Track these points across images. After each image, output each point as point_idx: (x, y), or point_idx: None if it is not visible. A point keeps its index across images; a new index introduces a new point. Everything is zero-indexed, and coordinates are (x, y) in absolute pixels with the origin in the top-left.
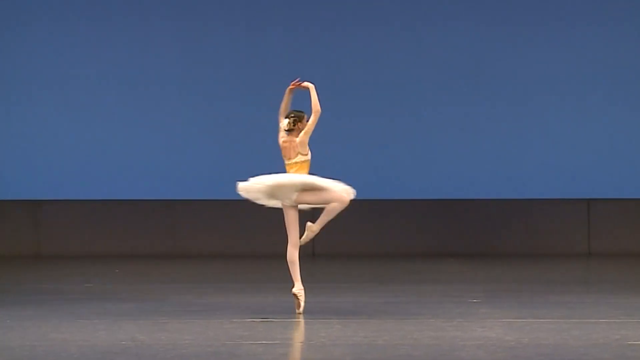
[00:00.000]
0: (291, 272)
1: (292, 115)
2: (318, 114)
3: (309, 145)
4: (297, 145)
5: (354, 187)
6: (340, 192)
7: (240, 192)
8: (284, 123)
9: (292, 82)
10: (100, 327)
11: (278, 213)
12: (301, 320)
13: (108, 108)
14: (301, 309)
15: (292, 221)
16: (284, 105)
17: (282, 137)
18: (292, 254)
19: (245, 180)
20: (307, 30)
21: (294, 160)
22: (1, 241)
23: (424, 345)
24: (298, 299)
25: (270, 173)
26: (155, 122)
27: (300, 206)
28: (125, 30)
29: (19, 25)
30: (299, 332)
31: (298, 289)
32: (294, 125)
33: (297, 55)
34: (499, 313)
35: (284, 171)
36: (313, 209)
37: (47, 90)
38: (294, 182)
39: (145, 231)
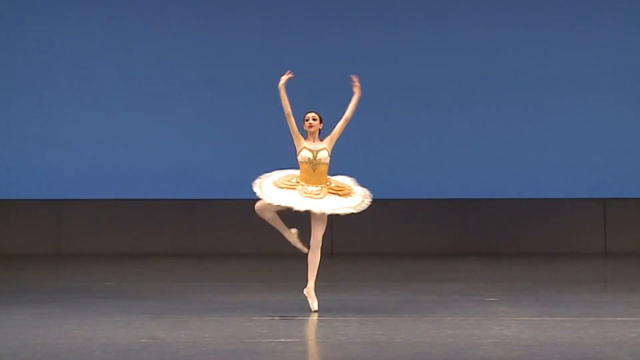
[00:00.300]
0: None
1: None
2: (348, 121)
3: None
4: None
5: (373, 187)
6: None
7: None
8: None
9: (286, 76)
10: (121, 325)
11: (298, 213)
12: (319, 318)
13: (130, 108)
14: (314, 307)
15: (313, 223)
16: (285, 102)
17: (302, 144)
18: (309, 254)
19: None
20: (325, 30)
21: (316, 165)
22: (24, 240)
23: (441, 344)
24: (306, 298)
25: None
26: (175, 123)
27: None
28: (145, 30)
29: (41, 25)
30: (318, 330)
31: (307, 288)
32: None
33: (316, 56)
34: (516, 311)
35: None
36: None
37: (69, 92)
38: (302, 209)
39: (165, 230)
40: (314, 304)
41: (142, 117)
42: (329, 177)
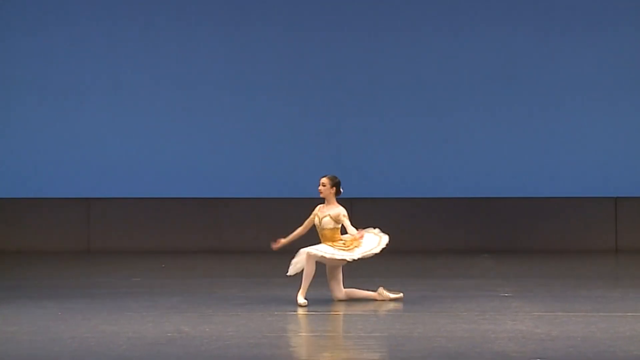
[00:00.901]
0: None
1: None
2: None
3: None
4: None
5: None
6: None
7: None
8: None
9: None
10: (147, 320)
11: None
12: (340, 313)
13: (156, 110)
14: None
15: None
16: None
17: (316, 209)
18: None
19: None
20: (334, 33)
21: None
22: (54, 237)
23: (457, 338)
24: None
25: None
26: (200, 124)
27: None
28: (172, 32)
29: (73, 25)
30: (338, 324)
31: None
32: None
33: (338, 60)
34: (530, 307)
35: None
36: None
37: (99, 93)
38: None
39: (191, 228)
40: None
41: (167, 120)
42: (345, 237)
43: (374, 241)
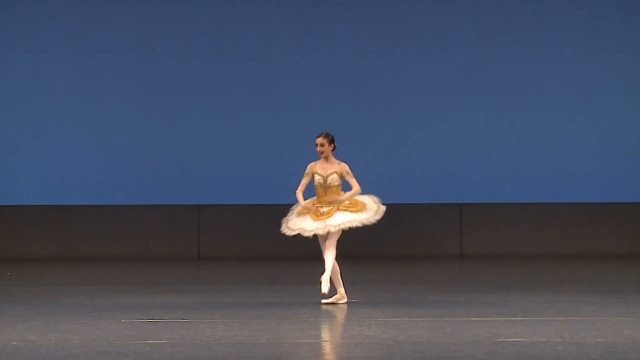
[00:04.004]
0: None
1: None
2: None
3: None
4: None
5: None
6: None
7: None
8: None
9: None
10: None
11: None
12: (185, 320)
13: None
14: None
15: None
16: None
17: (314, 170)
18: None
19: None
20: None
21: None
22: None
23: (304, 344)
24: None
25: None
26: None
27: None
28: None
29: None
30: (184, 331)
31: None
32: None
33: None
34: (377, 312)
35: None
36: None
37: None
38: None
39: (37, 235)
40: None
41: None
42: (346, 196)
43: (373, 207)
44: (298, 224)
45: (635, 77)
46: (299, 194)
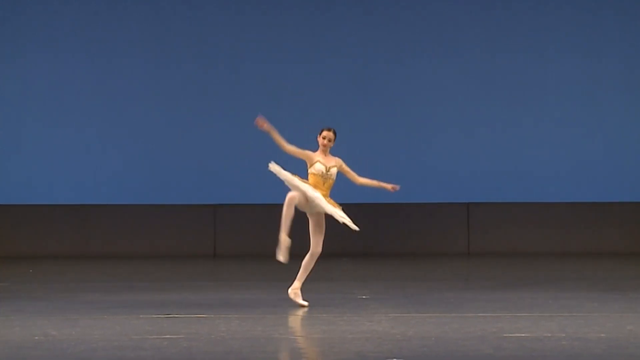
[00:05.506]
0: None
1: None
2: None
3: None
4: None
5: None
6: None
7: (273, 169)
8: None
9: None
10: (15, 324)
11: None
12: (200, 316)
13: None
14: (304, 303)
15: (312, 230)
16: (279, 141)
17: (315, 158)
18: (307, 258)
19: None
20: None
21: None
22: None
23: (315, 338)
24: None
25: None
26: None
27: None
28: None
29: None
30: (200, 326)
31: (293, 287)
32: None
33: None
34: (386, 308)
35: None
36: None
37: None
38: (323, 208)
39: (60, 233)
40: (303, 302)
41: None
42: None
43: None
44: (304, 185)
45: (639, 78)
46: (282, 139)
